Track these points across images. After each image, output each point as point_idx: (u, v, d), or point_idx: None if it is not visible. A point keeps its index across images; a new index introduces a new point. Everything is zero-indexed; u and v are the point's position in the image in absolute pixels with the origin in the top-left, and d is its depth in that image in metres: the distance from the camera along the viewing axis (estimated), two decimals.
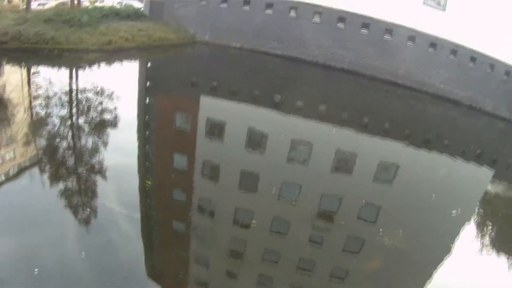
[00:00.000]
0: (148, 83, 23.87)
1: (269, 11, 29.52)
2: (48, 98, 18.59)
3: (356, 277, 9.81)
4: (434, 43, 25.68)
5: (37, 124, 16.30)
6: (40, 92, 19.45)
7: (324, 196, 12.85)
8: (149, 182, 12.41)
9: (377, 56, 26.57)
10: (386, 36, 26.50)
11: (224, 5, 30.93)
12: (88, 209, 11.12)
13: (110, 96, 19.36)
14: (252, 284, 9.54)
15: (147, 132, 17.07)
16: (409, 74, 25.98)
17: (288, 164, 14.53)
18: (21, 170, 12.94)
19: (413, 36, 25.80)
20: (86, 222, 10.79)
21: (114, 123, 16.62)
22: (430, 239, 11.38)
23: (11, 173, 12.81)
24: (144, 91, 22.22)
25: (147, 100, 21.00)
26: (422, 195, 13.66)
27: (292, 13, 28.82)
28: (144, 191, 12.33)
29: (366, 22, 26.64)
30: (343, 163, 15.19)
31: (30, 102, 18.31)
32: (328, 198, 12.80)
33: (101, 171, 12.97)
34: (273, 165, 14.26)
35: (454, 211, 12.88)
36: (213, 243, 10.89)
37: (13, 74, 22.50)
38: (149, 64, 27.66)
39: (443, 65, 25.79)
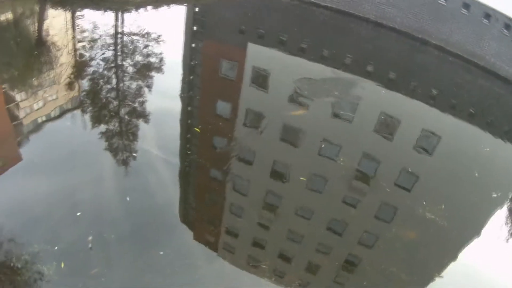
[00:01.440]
0: (195, 28, 23.46)
1: None
2: (92, 41, 18.55)
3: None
4: (488, 14, 23.99)
5: (80, 66, 16.33)
6: (85, 35, 19.44)
7: (364, 157, 12.42)
8: (198, 130, 12.18)
9: (430, 19, 25.15)
10: (440, 0, 25.02)
11: None
12: (128, 152, 11.07)
13: (156, 40, 19.12)
14: (282, 238, 9.45)
15: (191, 77, 16.79)
16: (461, 43, 24.42)
17: (332, 121, 14.06)
18: (63, 112, 13.04)
19: (467, 3, 24.16)
20: (125, 164, 10.78)
21: (159, 67, 16.46)
22: (467, 217, 10.90)
23: (52, 114, 12.93)
24: (190, 36, 21.89)
25: (193, 45, 20.63)
26: (465, 171, 13.02)
27: None
28: (185, 136, 12.15)
29: None
30: (386, 126, 14.56)
31: (74, 45, 18.31)
32: (368, 160, 12.36)
33: (144, 115, 12.90)
34: (317, 120, 13.81)
35: (494, 194, 12.21)
36: (248, 193, 10.71)
37: (57, 18, 22.57)
38: (196, 9, 27.12)
39: (496, 38, 24.05)
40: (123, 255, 8.27)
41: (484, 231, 10.78)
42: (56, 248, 8.08)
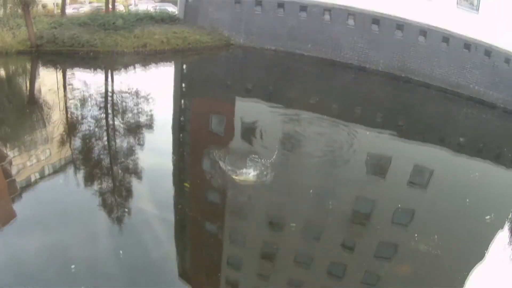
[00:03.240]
0: (183, 86, 24.24)
1: (303, 14, 29.80)
2: (83, 99, 19.13)
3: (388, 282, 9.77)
4: (468, 44, 25.35)
5: (72, 124, 16.80)
6: (76, 93, 20.05)
7: (358, 198, 12.76)
8: (188, 185, 12.56)
9: (411, 58, 26.44)
10: (420, 38, 26.37)
11: (258, 9, 31.33)
12: (122, 209, 11.34)
13: (145, 98, 19.76)
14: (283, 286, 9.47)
15: (181, 135, 17.30)
16: (444, 75, 25.65)
17: (323, 167, 14.44)
18: (56, 169, 13.36)
19: (446, 38, 25.53)
20: (119, 221, 11.03)
21: (149, 125, 16.93)
22: (464, 245, 11.14)
23: (46, 172, 13.25)
24: (179, 93, 22.57)
25: (182, 102, 21.29)
26: (456, 199, 13.40)
27: (326, 16, 29.02)
28: (178, 192, 12.49)
29: (400, 25, 26.63)
30: (377, 166, 15.02)
31: (65, 103, 18.86)
32: (362, 201, 12.70)
33: (136, 172, 13.22)
34: (307, 166, 14.18)
35: (488, 217, 12.57)
36: (245, 245, 10.95)
37: (49, 76, 23.31)
38: (184, 67, 28.11)
39: (477, 66, 25.33)
40: None
41: (485, 254, 10.87)
42: None
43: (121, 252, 9.64)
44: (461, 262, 10.54)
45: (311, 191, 12.75)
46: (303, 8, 29.70)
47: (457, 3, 25.61)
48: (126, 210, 11.36)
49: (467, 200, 13.16)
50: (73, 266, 8.94)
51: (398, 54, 26.82)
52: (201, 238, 10.84)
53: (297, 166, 14.30)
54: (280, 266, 9.98)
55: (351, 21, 28.28)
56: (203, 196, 12.39)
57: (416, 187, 14.11)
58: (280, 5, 30.50)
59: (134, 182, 12.60)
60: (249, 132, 16.59)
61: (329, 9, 28.79)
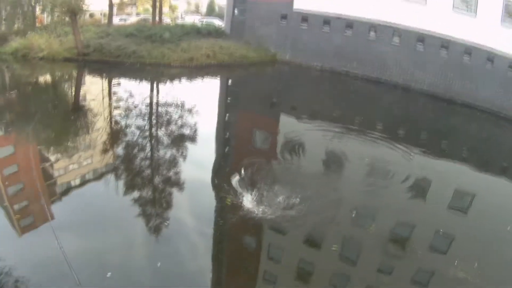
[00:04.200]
0: (228, 100, 24.18)
1: (348, 32, 29.54)
2: (128, 109, 19.26)
3: None
4: None
5: (115, 133, 16.88)
6: (121, 103, 20.24)
7: (398, 223, 12.22)
8: (229, 200, 12.26)
9: (456, 78, 25.62)
10: (465, 58, 25.56)
11: (304, 25, 31.25)
12: (160, 219, 11.15)
13: (190, 111, 19.72)
14: None
15: (225, 149, 17.12)
16: (488, 97, 24.62)
17: (365, 188, 13.98)
18: (97, 176, 13.34)
19: (491, 58, 24.64)
20: (157, 230, 10.83)
21: (193, 137, 16.80)
22: (503, 275, 10.45)
23: (87, 177, 13.24)
24: (224, 108, 22.49)
25: (227, 117, 21.18)
26: (499, 225, 12.65)
27: (372, 34, 28.67)
28: (218, 206, 12.20)
29: (445, 44, 25.95)
30: (418, 189, 14.40)
31: (110, 112, 19.02)
32: (401, 225, 12.15)
33: (177, 184, 13.03)
34: (349, 187, 13.74)
35: None
36: (282, 261, 10.59)
37: (94, 84, 23.72)
38: (229, 81, 28.13)
39: None
40: None
41: None
42: None
43: (159, 264, 9.43)
44: None
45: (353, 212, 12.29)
46: (349, 24, 29.43)
47: (501, 22, 24.78)
48: (165, 220, 11.13)
49: (509, 227, 12.42)
50: (109, 274, 8.79)
51: (443, 75, 26.07)
52: (238, 254, 10.51)
53: (338, 186, 13.83)
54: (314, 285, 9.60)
55: (396, 39, 27.80)
56: (243, 212, 12.02)
57: (457, 211, 13.43)
58: (326, 22, 30.34)
59: (175, 193, 12.37)
60: (290, 149, 16.27)
61: (374, 26, 28.39)
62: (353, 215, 12.16)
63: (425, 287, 9.85)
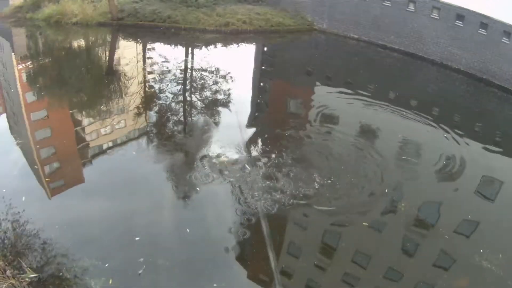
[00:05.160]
0: (263, 67, 23.87)
1: (387, 3, 28.40)
2: (162, 73, 19.21)
3: None
4: None
5: (149, 97, 16.88)
6: (155, 67, 20.20)
7: (425, 203, 11.86)
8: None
9: (494, 59, 24.39)
10: (504, 39, 24.24)
11: None
12: (190, 185, 11.11)
13: (224, 77, 19.53)
14: (336, 280, 9.05)
15: (257, 114, 16.94)
16: None
17: (397, 163, 13.62)
18: (129, 140, 13.40)
19: None
20: (186, 196, 10.84)
21: (226, 103, 16.64)
22: None
23: (119, 141, 13.30)
24: (258, 75, 22.21)
25: (261, 84, 20.91)
26: None
27: (411, 6, 27.51)
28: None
29: (485, 22, 24.64)
30: (448, 171, 13.88)
31: (144, 76, 19.01)
32: (428, 206, 11.80)
33: (208, 150, 12.92)
34: (383, 162, 13.39)
35: None
36: (307, 234, 10.50)
37: (129, 49, 23.73)
38: (265, 48, 27.70)
39: None
40: (172, 284, 8.19)
41: None
42: (106, 265, 8.25)
43: (188, 230, 9.44)
44: None
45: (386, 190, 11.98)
46: None
47: None
48: (195, 186, 11.08)
49: None
50: (137, 238, 8.87)
51: (480, 54, 24.88)
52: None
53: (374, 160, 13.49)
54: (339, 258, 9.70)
55: (435, 14, 26.66)
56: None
57: (486, 199, 12.92)
58: None
59: (206, 159, 12.23)
60: (326, 118, 15.98)
61: None
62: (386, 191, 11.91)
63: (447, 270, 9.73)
